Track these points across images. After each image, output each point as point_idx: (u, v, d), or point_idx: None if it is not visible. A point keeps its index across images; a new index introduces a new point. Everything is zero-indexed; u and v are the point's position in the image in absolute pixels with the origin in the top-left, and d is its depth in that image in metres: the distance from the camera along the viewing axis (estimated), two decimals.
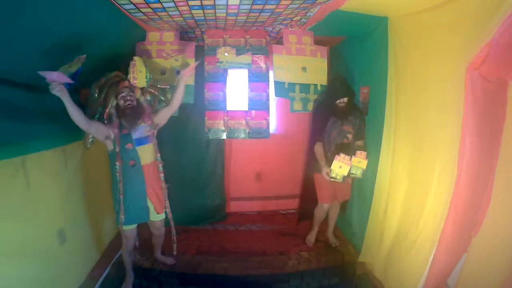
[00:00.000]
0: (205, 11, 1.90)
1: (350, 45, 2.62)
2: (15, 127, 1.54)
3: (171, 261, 2.45)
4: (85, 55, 1.68)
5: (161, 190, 2.10)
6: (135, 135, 1.95)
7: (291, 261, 2.48)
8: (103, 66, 2.29)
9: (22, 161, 1.59)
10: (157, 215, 2.14)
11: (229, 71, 2.56)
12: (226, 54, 2.52)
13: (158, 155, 2.08)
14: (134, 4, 1.67)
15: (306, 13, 2.03)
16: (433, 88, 1.61)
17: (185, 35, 2.51)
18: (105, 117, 1.93)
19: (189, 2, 1.71)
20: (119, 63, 2.67)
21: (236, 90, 2.60)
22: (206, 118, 2.63)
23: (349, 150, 2.26)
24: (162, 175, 2.11)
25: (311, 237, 2.73)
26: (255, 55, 2.56)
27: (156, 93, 2.18)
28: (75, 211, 2.10)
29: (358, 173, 2.16)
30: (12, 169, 1.53)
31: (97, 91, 1.93)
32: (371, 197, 2.22)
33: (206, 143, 3.02)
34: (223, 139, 2.78)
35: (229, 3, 1.78)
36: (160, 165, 2.10)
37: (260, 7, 1.85)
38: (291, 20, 2.21)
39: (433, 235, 1.60)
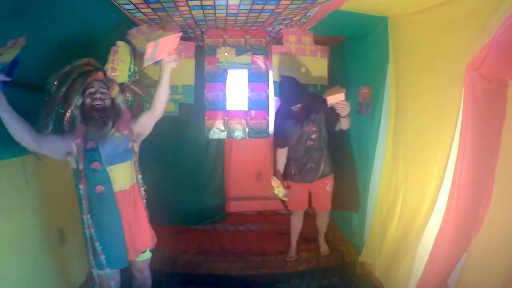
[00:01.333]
0: (205, 11, 1.90)
1: (350, 45, 2.62)
2: None
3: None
4: (25, 36, 1.17)
5: (143, 225, 1.56)
6: (106, 149, 1.42)
7: (291, 261, 2.48)
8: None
9: (22, 161, 1.59)
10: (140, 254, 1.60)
11: (229, 71, 2.56)
12: (226, 54, 2.52)
13: (139, 176, 1.54)
14: (134, 4, 1.67)
15: (306, 13, 2.03)
16: (433, 88, 1.61)
17: (185, 35, 2.51)
18: (65, 121, 1.42)
19: (189, 2, 1.71)
20: None
21: (235, 90, 2.61)
22: (206, 118, 2.63)
23: (317, 151, 2.15)
24: (144, 201, 1.57)
25: (291, 253, 2.49)
26: (255, 55, 2.56)
27: (141, 92, 1.64)
28: (75, 211, 2.09)
29: (280, 195, 2.16)
30: (12, 169, 1.53)
31: (56, 83, 1.41)
32: (371, 197, 2.22)
33: (206, 143, 3.03)
34: (223, 139, 2.78)
35: (229, 3, 1.78)
36: (142, 189, 1.55)
37: (260, 7, 1.85)
38: (291, 20, 2.21)
39: (433, 235, 1.60)
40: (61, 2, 1.34)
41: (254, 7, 1.85)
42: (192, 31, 2.44)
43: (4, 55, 1.16)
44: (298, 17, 2.14)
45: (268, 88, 2.64)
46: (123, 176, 1.48)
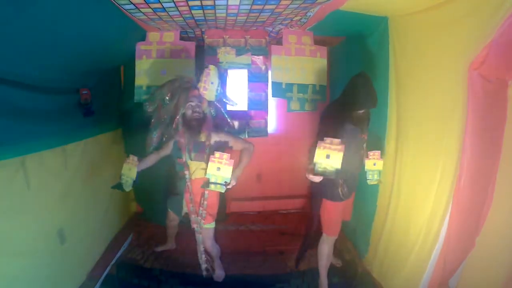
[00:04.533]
0: (205, 11, 1.90)
1: (350, 45, 2.62)
2: (15, 127, 1.54)
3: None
4: (136, 157, 1.94)
5: (209, 205, 2.08)
6: (193, 149, 1.92)
7: (292, 261, 2.48)
8: (103, 66, 2.29)
9: (22, 161, 1.59)
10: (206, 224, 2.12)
11: (229, 71, 2.56)
12: (226, 54, 2.52)
13: None
14: (134, 4, 1.67)
15: (306, 13, 2.03)
16: (434, 88, 1.61)
17: (185, 35, 2.51)
18: (173, 126, 1.89)
19: (189, 2, 1.71)
20: (119, 63, 2.68)
21: (235, 90, 2.61)
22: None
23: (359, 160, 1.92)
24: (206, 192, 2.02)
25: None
26: (255, 56, 2.57)
27: (222, 109, 2.04)
28: (75, 211, 2.10)
29: (375, 177, 1.88)
30: (12, 169, 1.53)
31: (169, 95, 1.87)
32: (371, 197, 2.22)
33: None
34: None
35: (229, 3, 1.78)
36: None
37: (260, 7, 1.85)
38: (291, 20, 2.21)
39: (434, 236, 1.60)
40: (61, 2, 1.34)
41: (254, 7, 1.85)
42: (192, 31, 2.44)
43: (131, 172, 1.94)
44: (298, 17, 2.14)
45: (267, 88, 2.64)
46: (199, 169, 1.97)
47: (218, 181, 1.85)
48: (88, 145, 2.24)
